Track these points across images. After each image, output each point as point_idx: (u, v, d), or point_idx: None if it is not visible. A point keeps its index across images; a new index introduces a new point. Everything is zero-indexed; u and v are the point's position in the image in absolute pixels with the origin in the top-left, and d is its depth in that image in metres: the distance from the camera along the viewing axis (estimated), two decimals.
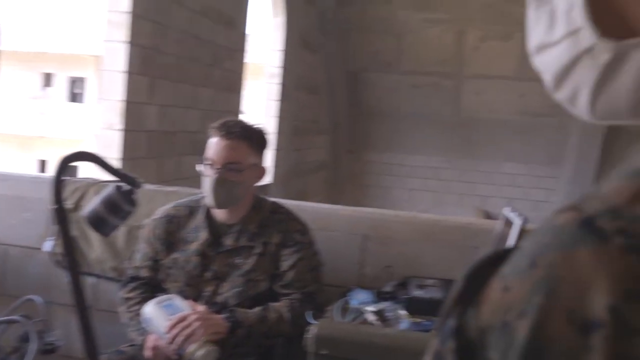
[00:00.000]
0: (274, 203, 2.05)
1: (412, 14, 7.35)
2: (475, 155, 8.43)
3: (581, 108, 0.46)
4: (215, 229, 1.95)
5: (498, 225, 2.05)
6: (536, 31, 0.48)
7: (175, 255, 1.95)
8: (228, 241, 1.92)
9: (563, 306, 0.30)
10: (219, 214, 1.95)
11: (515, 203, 8.56)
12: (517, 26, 6.79)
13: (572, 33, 0.44)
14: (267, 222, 1.96)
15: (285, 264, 1.91)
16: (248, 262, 1.90)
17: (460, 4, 7.00)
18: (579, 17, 0.44)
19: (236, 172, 1.85)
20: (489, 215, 8.00)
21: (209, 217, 1.97)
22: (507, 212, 1.95)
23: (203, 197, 2.01)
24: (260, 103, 6.66)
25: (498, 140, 8.19)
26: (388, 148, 8.86)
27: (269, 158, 6.48)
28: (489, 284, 0.35)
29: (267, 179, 6.40)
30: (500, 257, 0.37)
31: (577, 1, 0.44)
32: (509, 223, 1.93)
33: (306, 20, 7.04)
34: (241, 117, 5.54)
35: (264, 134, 1.98)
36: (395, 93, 8.36)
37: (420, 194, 8.94)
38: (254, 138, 1.92)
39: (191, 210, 2.00)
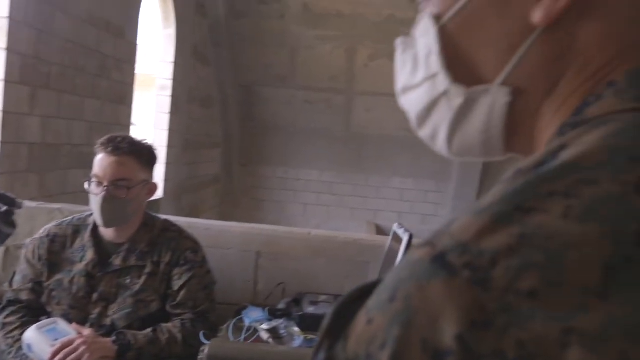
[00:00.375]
0: (165, 221, 2.00)
1: (305, 30, 7.46)
2: (366, 170, 8.65)
3: (440, 145, 0.52)
4: (103, 249, 1.88)
5: (388, 241, 2.11)
6: (402, 74, 0.53)
7: (59, 276, 1.85)
8: (116, 261, 1.86)
9: (418, 336, 0.32)
10: (107, 233, 1.88)
11: (404, 217, 8.85)
12: None
13: (431, 77, 0.50)
14: (157, 240, 1.91)
15: (177, 283, 1.87)
16: (138, 282, 1.85)
17: (351, 23, 7.19)
18: (435, 63, 0.49)
19: (125, 189, 1.80)
20: (380, 229, 8.22)
21: (95, 236, 1.89)
22: (396, 228, 2.01)
23: (89, 215, 1.93)
24: (150, 115, 6.49)
25: (387, 156, 8.45)
26: (282, 162, 8.89)
27: (159, 173, 6.33)
28: (357, 317, 0.37)
29: (158, 194, 6.24)
30: (368, 290, 0.38)
31: (434, 48, 0.48)
32: (397, 239, 1.99)
33: (198, 32, 6.96)
34: (130, 130, 5.37)
35: (153, 149, 1.93)
36: (289, 107, 8.43)
37: (314, 208, 9.03)
38: (143, 154, 1.87)
39: (77, 229, 1.91)
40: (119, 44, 4.97)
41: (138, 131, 8.72)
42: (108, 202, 1.78)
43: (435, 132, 0.51)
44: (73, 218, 1.96)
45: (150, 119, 6.50)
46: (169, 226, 1.98)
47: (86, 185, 1.82)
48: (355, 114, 8.32)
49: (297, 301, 2.08)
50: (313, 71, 7.96)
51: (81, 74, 4.44)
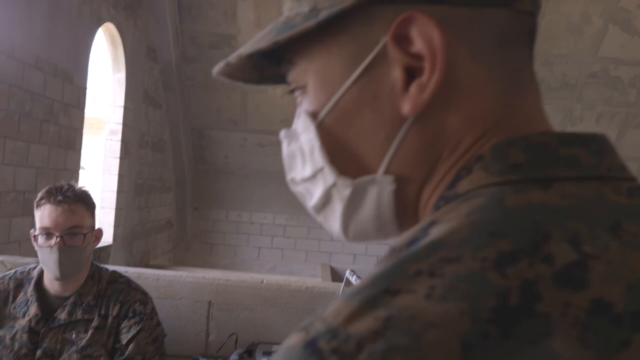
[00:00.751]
0: (113, 272, 1.95)
1: None
2: None
3: (337, 232, 0.53)
4: (47, 303, 1.81)
5: (341, 287, 2.09)
6: (292, 166, 0.55)
7: (0, 333, 1.77)
8: (61, 315, 1.79)
9: None
10: (52, 286, 1.82)
11: (359, 258, 8.85)
12: None
13: (318, 171, 0.52)
14: (105, 292, 1.86)
15: (125, 336, 1.81)
16: (84, 337, 1.78)
17: None
18: (319, 158, 0.51)
19: (81, 237, 1.77)
20: (335, 271, 8.19)
21: (39, 289, 1.82)
22: (349, 274, 2.00)
23: (33, 268, 1.87)
24: (101, 159, 6.38)
25: None
26: (235, 206, 8.83)
27: (109, 218, 6.18)
28: None
29: (108, 241, 6.09)
30: None
31: (315, 144, 0.51)
32: (349, 285, 1.98)
33: (149, 77, 6.93)
34: (79, 176, 5.26)
35: (90, 195, 1.91)
36: (241, 151, 8.42)
37: (268, 251, 8.97)
38: (88, 200, 1.85)
39: (19, 282, 1.84)
40: (67, 88, 4.90)
41: (87, 176, 8.55)
42: (65, 253, 1.73)
43: (331, 221, 0.53)
44: (16, 271, 1.88)
45: (100, 162, 6.39)
46: (117, 277, 1.93)
47: (34, 240, 1.77)
48: None
49: (249, 352, 2.04)
50: (264, 115, 7.99)
51: (27, 119, 4.35)
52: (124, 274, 1.98)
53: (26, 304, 1.80)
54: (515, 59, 0.48)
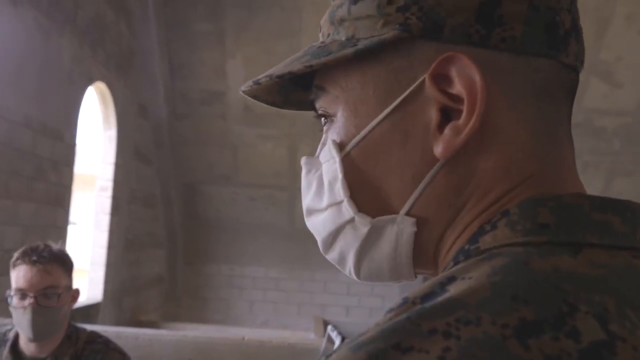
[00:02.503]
0: (91, 332, 1.93)
1: (246, 129, 7.59)
2: (312, 265, 8.61)
3: (349, 270, 0.51)
4: None
5: (323, 343, 2.08)
6: (307, 195, 0.53)
7: None
8: None
9: None
10: (28, 348, 1.80)
11: (352, 310, 8.76)
12: None
13: (335, 204, 0.49)
14: (82, 353, 1.84)
15: None
16: None
17: (290, 122, 7.36)
18: (339, 191, 0.49)
19: (55, 297, 1.75)
20: (328, 324, 8.09)
21: (15, 352, 1.81)
22: (330, 330, 1.99)
23: (9, 330, 1.85)
24: (91, 215, 6.37)
25: None
26: (227, 260, 8.78)
27: (99, 275, 6.13)
28: None
29: (97, 298, 6.02)
30: None
31: (338, 176, 0.49)
32: (331, 341, 1.97)
33: (140, 133, 6.99)
34: (67, 232, 5.24)
35: (68, 254, 1.90)
36: (233, 205, 8.42)
37: (261, 305, 8.87)
38: (65, 260, 1.84)
39: None
40: (56, 146, 4.94)
41: (78, 231, 8.51)
42: (39, 314, 1.72)
43: (343, 258, 0.51)
44: None
45: (91, 218, 6.38)
46: (95, 338, 1.91)
47: (9, 301, 1.76)
48: (299, 209, 8.37)
49: None
50: (256, 169, 8.04)
51: (15, 177, 4.37)
52: (103, 333, 1.97)
53: None
54: (554, 113, 0.46)
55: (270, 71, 0.51)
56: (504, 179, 0.44)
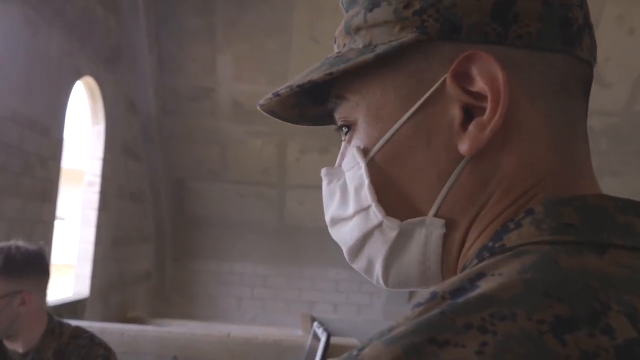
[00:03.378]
0: (76, 328, 1.92)
1: (235, 126, 7.58)
2: (301, 262, 8.62)
3: (377, 278, 0.51)
4: (6, 359, 1.78)
5: (309, 340, 2.08)
6: (331, 205, 0.53)
7: None
8: None
9: None
10: (9, 342, 1.79)
11: (340, 308, 8.78)
12: (332, 141, 7.27)
13: (363, 210, 0.50)
14: (66, 348, 1.83)
15: None
16: None
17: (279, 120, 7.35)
18: (366, 197, 0.49)
19: None
20: (315, 321, 8.10)
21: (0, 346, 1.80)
22: (316, 327, 2.00)
23: None
24: (78, 212, 6.34)
25: (322, 248, 8.45)
26: (215, 256, 8.77)
27: (86, 270, 6.10)
28: None
29: (84, 294, 6.00)
30: None
31: (365, 182, 0.49)
32: (317, 338, 1.97)
33: (129, 129, 6.96)
34: (54, 228, 5.21)
35: (20, 256, 1.80)
36: (222, 202, 8.41)
37: (249, 302, 8.86)
38: (9, 266, 1.75)
39: None
40: (44, 141, 4.91)
41: (66, 227, 8.47)
42: None
43: (371, 265, 0.51)
44: None
45: (78, 214, 6.35)
46: (80, 333, 1.90)
47: None
48: (288, 206, 8.38)
49: None
50: (245, 166, 8.03)
51: (2, 173, 4.34)
52: (89, 329, 1.96)
53: None
54: (572, 108, 0.47)
55: (290, 82, 0.51)
56: (527, 176, 0.44)
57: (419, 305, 0.37)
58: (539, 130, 0.45)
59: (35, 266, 1.85)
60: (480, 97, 0.44)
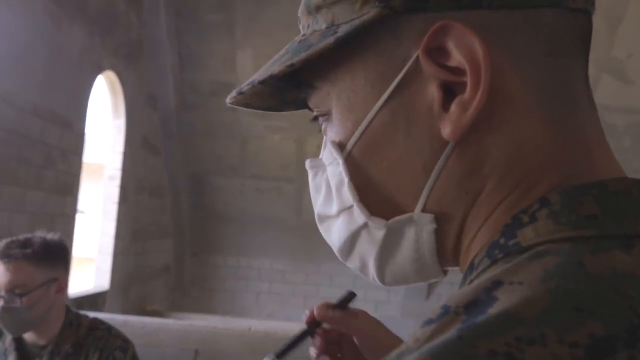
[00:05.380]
0: (93, 319, 1.93)
1: (254, 121, 7.59)
2: (318, 257, 8.61)
3: (372, 276, 0.48)
4: (25, 352, 1.79)
5: None
6: (318, 200, 0.49)
7: None
8: None
9: None
10: (28, 335, 1.80)
11: (357, 304, 8.73)
12: None
13: (346, 209, 0.46)
14: (84, 340, 1.84)
15: None
16: None
17: (300, 114, 7.34)
18: (347, 196, 0.45)
19: (18, 298, 1.69)
20: None
21: (18, 338, 1.81)
22: None
23: None
24: (98, 205, 6.39)
25: None
26: (234, 251, 8.80)
27: (106, 264, 6.16)
28: None
29: (104, 286, 6.05)
30: None
31: (345, 179, 0.45)
32: None
33: (148, 123, 7.00)
34: (75, 221, 5.26)
35: (53, 244, 1.82)
36: (240, 196, 8.43)
37: (267, 297, 8.88)
38: (38, 254, 1.76)
39: None
40: (65, 134, 4.95)
41: (87, 220, 8.54)
42: (6, 313, 1.69)
43: (364, 265, 0.47)
44: None
45: (99, 208, 6.41)
46: (97, 324, 1.91)
47: None
48: (306, 202, 8.38)
49: None
50: (263, 161, 8.04)
51: (24, 165, 4.38)
52: (110, 321, 1.97)
53: (4, 353, 1.79)
54: (569, 71, 0.41)
55: (252, 77, 0.47)
56: (523, 156, 0.39)
57: (430, 322, 0.32)
58: (530, 102, 0.39)
59: (65, 255, 1.87)
60: (460, 71, 0.39)
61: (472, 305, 0.32)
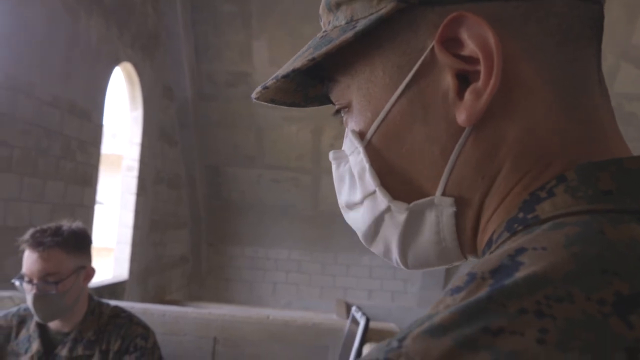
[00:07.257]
0: (115, 307, 1.95)
1: (270, 111, 7.60)
2: (335, 248, 8.63)
3: (395, 260, 0.49)
4: (49, 339, 1.82)
5: (347, 324, 2.08)
6: (342, 190, 0.51)
7: None
8: (62, 351, 1.79)
9: None
10: (52, 323, 1.83)
11: (374, 294, 8.78)
12: None
13: (369, 195, 0.48)
14: (106, 328, 1.86)
15: None
16: None
17: None
18: (370, 182, 0.47)
19: (53, 285, 1.72)
20: (350, 307, 8.11)
21: (41, 326, 1.83)
22: (354, 311, 1.99)
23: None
24: (117, 196, 6.45)
25: (356, 233, 8.43)
26: (251, 241, 8.84)
27: (125, 254, 6.22)
28: None
29: (123, 276, 6.11)
30: None
31: (366, 166, 0.47)
32: (356, 322, 1.97)
33: (165, 114, 7.03)
34: (94, 212, 5.31)
35: (80, 233, 1.85)
36: (257, 187, 8.46)
37: (283, 287, 8.93)
38: (68, 242, 1.79)
39: (22, 319, 1.86)
40: (84, 125, 5.00)
41: (105, 211, 8.62)
42: (40, 300, 1.72)
43: (388, 249, 0.49)
44: (19, 308, 1.90)
45: (117, 198, 6.46)
46: (118, 312, 1.93)
47: (17, 284, 1.75)
48: (322, 192, 8.39)
49: None
50: (280, 151, 8.06)
51: (44, 156, 4.43)
52: (130, 309, 1.99)
53: (28, 340, 1.81)
54: (581, 58, 0.43)
55: (277, 72, 0.50)
56: (537, 140, 0.41)
57: (458, 289, 0.33)
58: (543, 88, 0.41)
59: (90, 243, 1.90)
60: (473, 60, 0.41)
61: (498, 270, 0.33)
